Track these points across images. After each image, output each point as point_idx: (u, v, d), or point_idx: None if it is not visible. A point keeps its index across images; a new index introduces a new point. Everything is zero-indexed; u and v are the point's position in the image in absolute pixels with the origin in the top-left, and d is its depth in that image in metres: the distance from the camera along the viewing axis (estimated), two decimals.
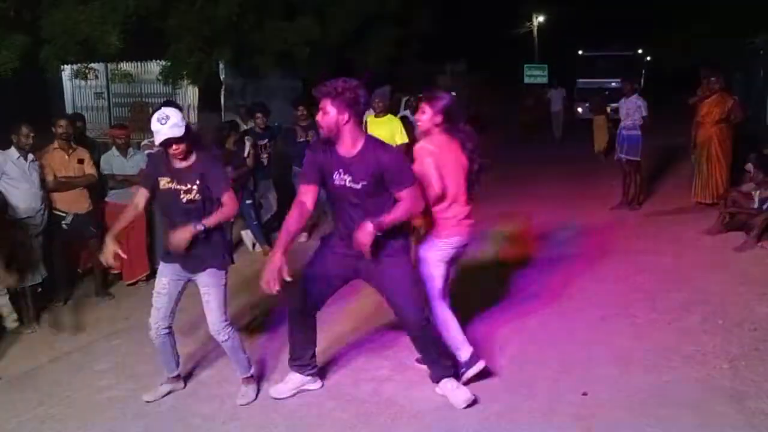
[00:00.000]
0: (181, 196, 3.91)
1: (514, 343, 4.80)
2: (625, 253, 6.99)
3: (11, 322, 5.73)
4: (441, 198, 3.98)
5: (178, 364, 4.34)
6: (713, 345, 4.61)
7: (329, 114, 3.55)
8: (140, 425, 4.00)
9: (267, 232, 8.19)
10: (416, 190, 3.70)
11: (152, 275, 7.10)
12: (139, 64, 12.72)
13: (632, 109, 9.08)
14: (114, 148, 6.86)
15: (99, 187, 6.65)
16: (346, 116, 3.55)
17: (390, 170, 3.63)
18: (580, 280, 6.15)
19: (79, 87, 13.43)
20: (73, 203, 6.28)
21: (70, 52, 8.62)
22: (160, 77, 10.52)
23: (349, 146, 3.67)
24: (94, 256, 6.58)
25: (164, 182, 3.94)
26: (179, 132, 3.78)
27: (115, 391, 4.47)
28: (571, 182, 11.24)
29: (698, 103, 8.59)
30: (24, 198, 5.81)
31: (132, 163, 6.81)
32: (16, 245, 5.76)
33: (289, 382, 4.16)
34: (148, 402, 4.22)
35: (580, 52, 22.20)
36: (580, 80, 21.43)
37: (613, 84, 18.79)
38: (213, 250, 4.00)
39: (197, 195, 3.91)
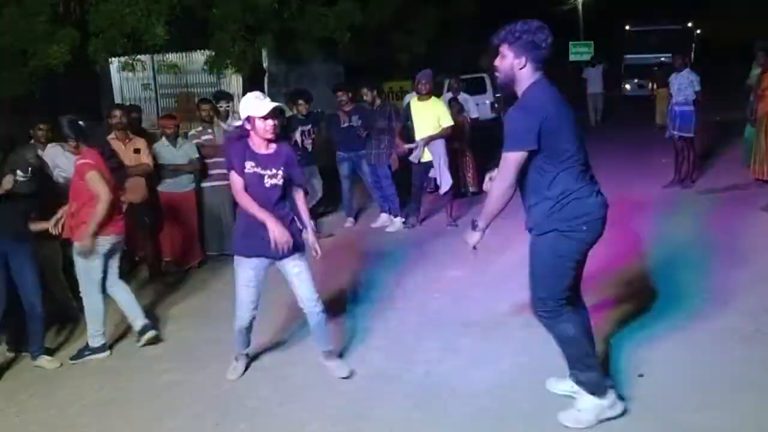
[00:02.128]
0: (265, 180, 4.03)
1: None
2: (680, 232, 6.82)
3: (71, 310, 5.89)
4: (110, 202, 4.77)
5: (249, 344, 4.47)
6: None
7: (506, 58, 3.35)
8: (198, 407, 4.09)
9: (314, 218, 8.23)
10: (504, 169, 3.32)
11: (204, 262, 7.25)
12: (184, 54, 12.87)
13: (684, 84, 8.80)
14: (163, 138, 6.98)
15: (155, 176, 6.77)
16: (522, 60, 3.31)
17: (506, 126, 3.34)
18: (633, 259, 6.02)
19: (126, 79, 13.68)
20: (129, 192, 6.39)
21: (117, 45, 8.79)
22: (205, 67, 10.65)
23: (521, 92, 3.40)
24: (149, 243, 6.75)
25: (249, 166, 4.05)
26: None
27: (172, 375, 4.58)
28: (621, 160, 11.01)
29: (763, 76, 8.25)
30: None
31: (181, 153, 6.93)
32: None
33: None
34: (232, 380, 4.37)
35: (627, 27, 21.67)
36: (628, 56, 20.93)
37: (662, 59, 18.29)
38: (295, 234, 4.13)
39: (281, 180, 4.06)
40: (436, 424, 3.67)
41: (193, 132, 7.47)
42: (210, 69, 10.41)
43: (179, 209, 6.97)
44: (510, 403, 3.76)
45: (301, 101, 8.24)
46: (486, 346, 4.52)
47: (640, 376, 3.92)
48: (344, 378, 4.23)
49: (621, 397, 3.57)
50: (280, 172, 4.05)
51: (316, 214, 8.33)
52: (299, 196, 4.32)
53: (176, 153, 6.90)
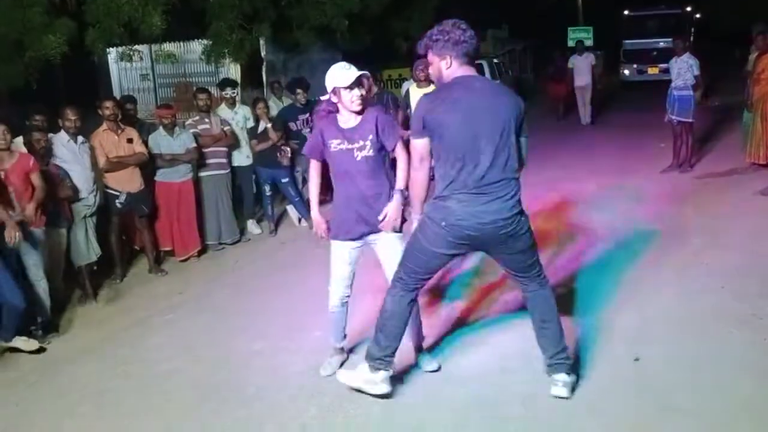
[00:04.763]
0: (355, 154, 3.85)
1: (562, 310, 4.74)
2: (677, 217, 6.83)
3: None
4: None
5: (345, 336, 4.29)
6: None
7: (434, 63, 3.46)
8: (196, 396, 4.11)
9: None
10: None
11: (203, 251, 7.27)
12: (181, 44, 12.82)
13: (684, 69, 8.76)
14: (161, 128, 6.97)
15: (149, 165, 6.78)
16: (448, 60, 3.39)
17: None
18: (632, 243, 6.02)
19: (125, 69, 13.65)
20: (125, 182, 6.42)
21: (114, 35, 8.75)
22: (202, 56, 10.61)
23: None
24: (147, 233, 6.77)
25: (335, 144, 3.89)
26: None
27: (170, 364, 4.61)
28: (619, 144, 11.00)
29: (758, 59, 8.23)
30: (77, 179, 5.96)
31: (179, 142, 6.93)
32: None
33: None
34: (325, 376, 4.16)
35: (626, 12, 21.55)
36: (627, 41, 20.84)
37: (661, 44, 18.21)
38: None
39: (371, 151, 3.84)
40: (431, 409, 3.69)
41: (190, 121, 7.48)
42: (207, 58, 10.38)
43: (177, 199, 6.98)
44: (504, 388, 3.79)
45: (299, 90, 8.24)
46: (480, 332, 4.54)
47: (636, 359, 3.95)
48: (433, 371, 4.06)
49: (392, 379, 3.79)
50: (369, 143, 3.81)
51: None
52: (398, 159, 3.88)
53: (173, 142, 6.90)
